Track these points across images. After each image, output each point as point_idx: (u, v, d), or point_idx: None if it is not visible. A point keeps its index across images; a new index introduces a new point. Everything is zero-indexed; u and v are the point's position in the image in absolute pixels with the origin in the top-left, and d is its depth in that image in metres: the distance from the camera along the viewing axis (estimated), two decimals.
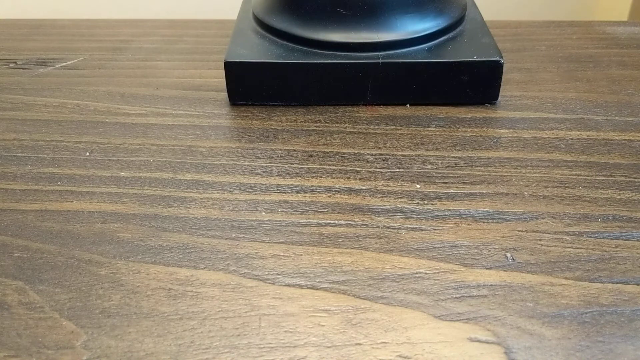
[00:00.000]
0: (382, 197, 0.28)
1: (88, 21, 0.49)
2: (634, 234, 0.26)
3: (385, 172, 0.30)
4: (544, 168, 0.30)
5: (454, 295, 0.23)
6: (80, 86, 0.38)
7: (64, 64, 0.37)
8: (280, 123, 0.34)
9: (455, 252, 0.25)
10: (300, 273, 0.24)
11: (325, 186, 0.29)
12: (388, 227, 0.27)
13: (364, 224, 0.27)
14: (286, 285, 0.24)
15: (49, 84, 0.38)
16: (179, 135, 0.33)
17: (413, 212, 0.27)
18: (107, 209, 0.28)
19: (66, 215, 0.28)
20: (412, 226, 0.27)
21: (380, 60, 0.34)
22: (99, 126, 0.34)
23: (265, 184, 0.29)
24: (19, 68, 0.40)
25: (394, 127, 0.34)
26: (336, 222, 0.27)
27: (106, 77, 0.39)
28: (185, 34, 0.45)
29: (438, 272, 0.24)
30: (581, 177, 0.29)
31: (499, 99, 0.35)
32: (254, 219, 0.27)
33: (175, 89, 0.37)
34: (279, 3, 0.37)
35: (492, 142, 0.32)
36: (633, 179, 0.29)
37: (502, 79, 0.35)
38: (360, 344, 0.22)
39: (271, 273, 0.25)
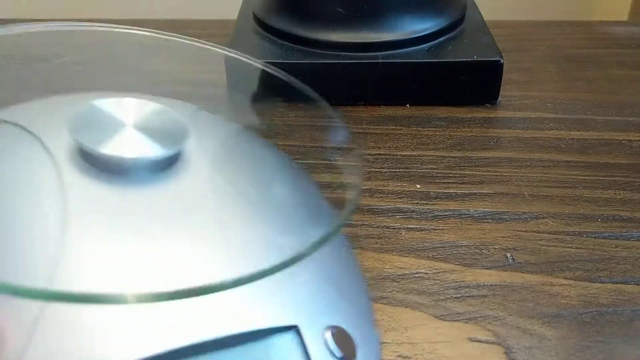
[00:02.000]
0: (382, 197, 0.28)
1: (88, 21, 0.49)
2: (634, 234, 0.26)
3: (385, 172, 0.30)
4: (544, 168, 0.30)
5: (454, 295, 0.23)
6: (80, 83, 0.38)
7: (63, 59, 0.37)
8: (281, 119, 0.34)
9: (455, 252, 0.25)
10: None
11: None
12: (388, 227, 0.27)
13: (364, 224, 0.27)
14: None
15: (48, 81, 0.38)
16: None
17: (413, 212, 0.27)
18: None
19: None
20: (412, 226, 0.27)
21: (380, 60, 0.34)
22: None
23: None
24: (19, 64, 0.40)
25: (394, 127, 0.34)
26: None
27: (106, 75, 0.39)
28: (185, 33, 0.45)
29: (438, 272, 0.24)
30: (581, 177, 0.29)
31: (499, 99, 0.35)
32: None
33: (176, 87, 0.37)
34: (279, 3, 0.37)
35: (492, 142, 0.32)
36: (633, 179, 0.29)
37: (502, 79, 0.35)
38: None
39: None
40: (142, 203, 0.20)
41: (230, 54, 0.32)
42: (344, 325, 0.20)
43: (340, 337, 0.19)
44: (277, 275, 0.17)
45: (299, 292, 0.19)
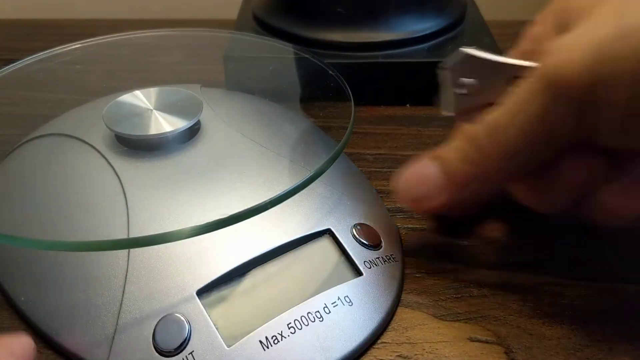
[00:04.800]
0: (382, 197, 0.28)
1: (88, 21, 0.49)
2: (634, 233, 0.26)
3: (386, 171, 0.30)
4: None
5: (454, 295, 0.23)
6: (79, 82, 0.38)
7: (64, 59, 0.37)
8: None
9: (455, 252, 0.25)
10: None
11: None
12: None
13: None
14: None
15: (49, 80, 0.38)
16: None
17: (413, 212, 0.27)
18: None
19: None
20: (412, 226, 0.27)
21: (380, 60, 0.34)
22: None
23: None
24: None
25: (394, 127, 0.34)
26: None
27: (106, 74, 0.39)
28: (185, 33, 0.45)
29: (438, 272, 0.24)
30: None
31: None
32: None
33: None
34: (279, 3, 0.37)
35: None
36: None
37: None
38: None
39: None
40: (179, 166, 0.24)
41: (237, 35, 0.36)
42: (367, 222, 0.24)
43: (366, 231, 0.24)
44: (306, 194, 0.23)
45: (325, 204, 0.24)
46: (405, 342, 0.21)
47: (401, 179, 0.24)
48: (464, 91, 0.22)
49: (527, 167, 0.21)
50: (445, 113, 0.23)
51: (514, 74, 0.22)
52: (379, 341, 0.22)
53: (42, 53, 0.33)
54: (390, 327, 0.22)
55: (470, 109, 0.23)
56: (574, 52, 0.19)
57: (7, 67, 0.31)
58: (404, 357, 0.21)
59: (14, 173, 0.27)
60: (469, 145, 0.22)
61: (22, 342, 0.18)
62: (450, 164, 0.22)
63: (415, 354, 0.21)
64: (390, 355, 0.21)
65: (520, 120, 0.20)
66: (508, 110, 0.20)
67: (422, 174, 0.23)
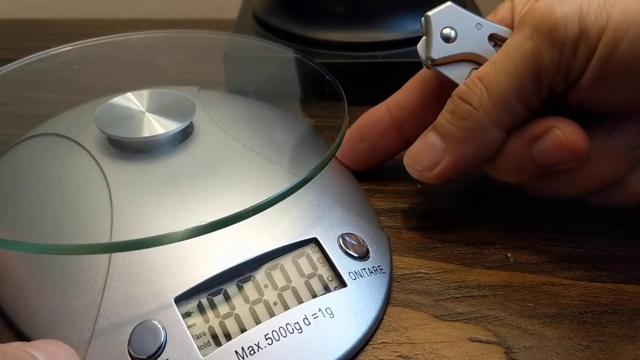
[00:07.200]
0: (382, 197, 0.28)
1: (88, 21, 0.49)
2: (634, 233, 0.26)
3: (385, 171, 0.30)
4: None
5: (454, 295, 0.23)
6: (79, 82, 0.38)
7: (63, 59, 0.37)
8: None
9: (455, 252, 0.25)
10: None
11: None
12: (388, 227, 0.27)
13: None
14: None
15: (48, 79, 0.38)
16: None
17: (413, 211, 0.27)
18: None
19: None
20: (412, 226, 0.27)
21: (380, 60, 0.34)
22: None
23: None
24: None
25: None
26: None
27: (106, 73, 0.39)
28: (185, 33, 0.45)
29: (438, 272, 0.24)
30: None
31: None
32: None
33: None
34: (279, 3, 0.37)
35: None
36: None
37: None
38: None
39: None
40: (168, 169, 0.24)
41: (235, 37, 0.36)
42: (355, 233, 0.24)
43: (354, 241, 0.24)
44: (294, 201, 0.23)
45: (314, 212, 0.24)
46: (406, 342, 0.21)
47: (408, 154, 0.25)
48: (445, 41, 0.24)
49: (515, 117, 0.23)
50: (425, 61, 0.25)
51: (490, 32, 0.24)
52: (379, 341, 0.21)
53: (41, 53, 0.32)
54: (390, 327, 0.22)
55: (449, 58, 0.24)
56: (560, 5, 0.21)
57: (6, 67, 0.31)
58: (404, 357, 0.21)
59: (5, 173, 0.27)
60: (457, 103, 0.23)
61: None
62: (443, 126, 0.24)
63: (416, 354, 0.21)
64: (391, 355, 0.21)
65: (509, 67, 0.22)
66: (496, 61, 0.22)
67: (424, 144, 0.24)
